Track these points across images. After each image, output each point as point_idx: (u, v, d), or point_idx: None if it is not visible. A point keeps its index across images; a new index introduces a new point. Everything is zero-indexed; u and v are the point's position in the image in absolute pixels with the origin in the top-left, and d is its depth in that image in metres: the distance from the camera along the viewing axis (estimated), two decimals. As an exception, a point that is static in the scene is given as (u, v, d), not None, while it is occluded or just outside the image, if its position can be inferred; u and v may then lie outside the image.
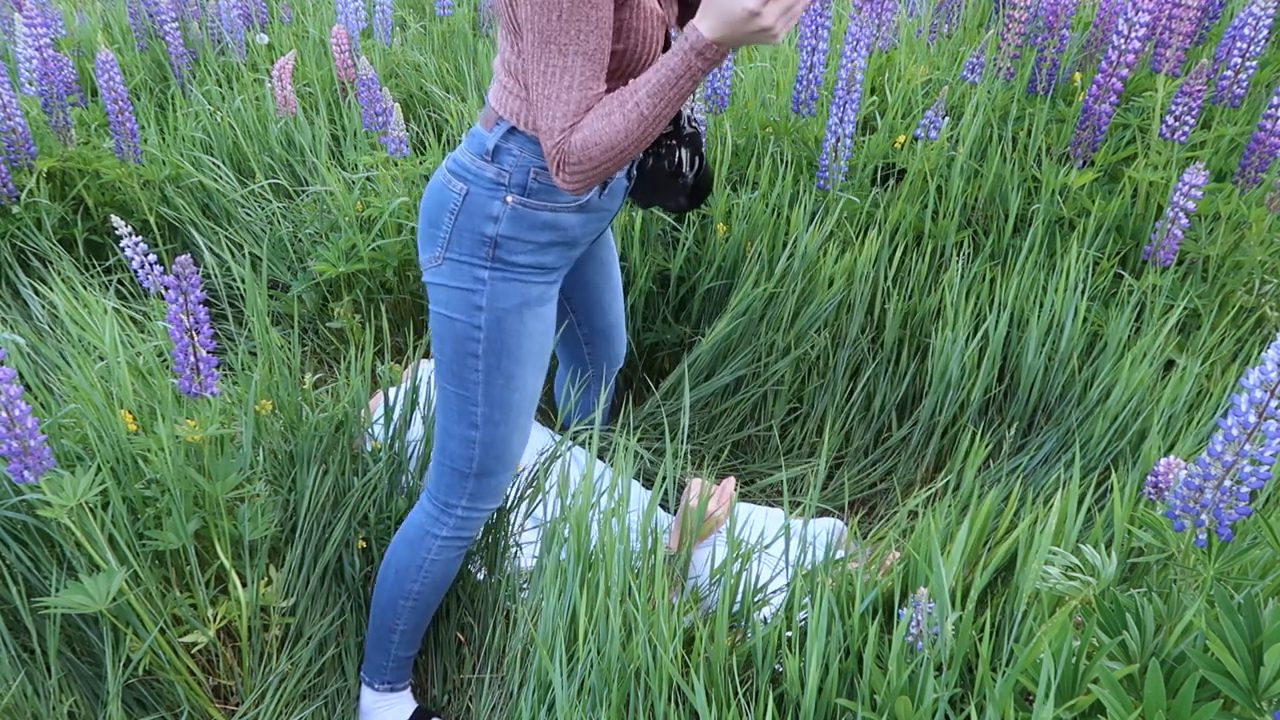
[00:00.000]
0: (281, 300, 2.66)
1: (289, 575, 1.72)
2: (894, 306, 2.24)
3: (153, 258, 1.83)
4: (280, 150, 3.02)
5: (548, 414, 2.25)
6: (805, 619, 1.26)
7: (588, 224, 1.54)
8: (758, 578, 1.42)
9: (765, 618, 1.40)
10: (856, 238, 2.32)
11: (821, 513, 2.09)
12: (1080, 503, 1.30)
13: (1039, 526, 1.22)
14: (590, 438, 1.97)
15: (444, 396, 1.55)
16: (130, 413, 1.62)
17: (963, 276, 2.21)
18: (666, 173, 1.50)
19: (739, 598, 1.37)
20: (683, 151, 1.50)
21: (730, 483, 1.91)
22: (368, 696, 1.75)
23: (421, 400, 1.90)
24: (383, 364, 1.97)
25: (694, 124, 1.51)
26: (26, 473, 1.28)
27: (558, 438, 1.91)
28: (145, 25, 3.78)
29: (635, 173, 1.55)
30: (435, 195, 1.48)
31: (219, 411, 1.48)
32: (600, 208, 1.53)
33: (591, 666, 1.28)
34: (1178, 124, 2.17)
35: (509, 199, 1.42)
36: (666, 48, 1.39)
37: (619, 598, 1.28)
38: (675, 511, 1.91)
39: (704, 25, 1.20)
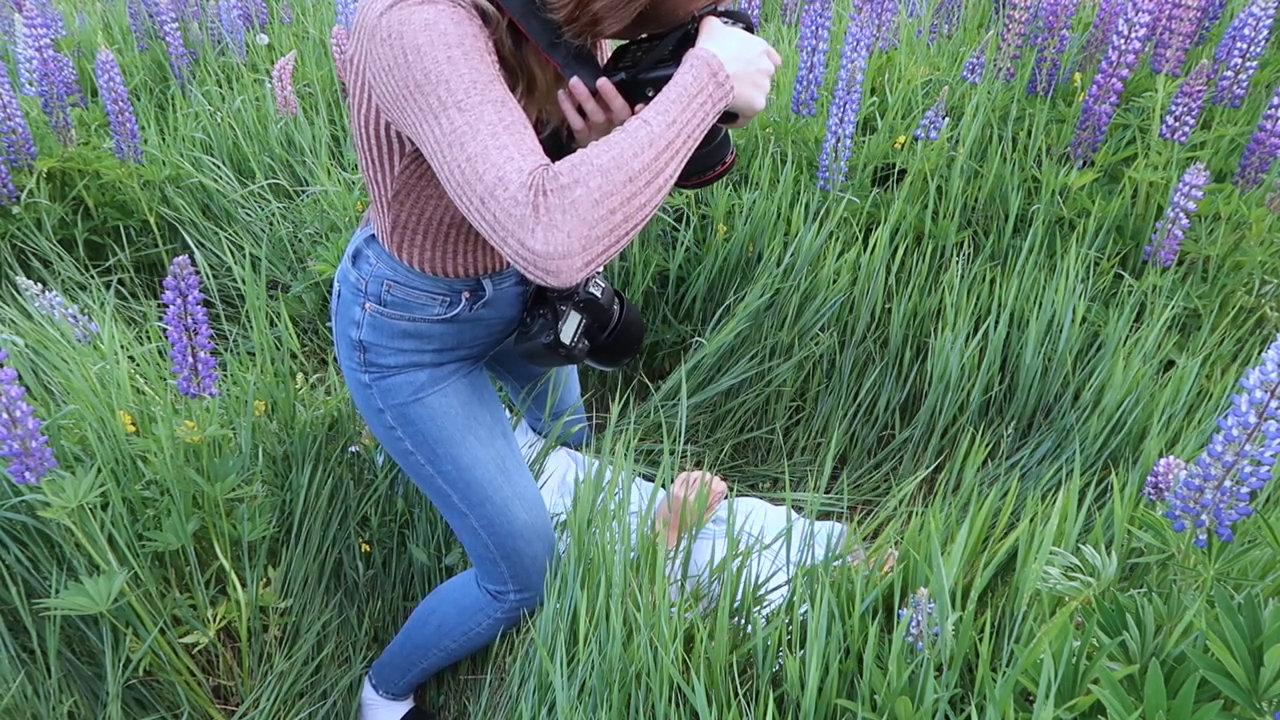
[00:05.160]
0: (281, 300, 2.66)
1: (287, 575, 1.72)
2: (897, 306, 2.23)
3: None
4: (280, 151, 3.02)
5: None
6: (805, 615, 1.26)
7: (464, 334, 1.37)
8: (758, 575, 1.42)
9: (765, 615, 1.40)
10: (858, 238, 2.32)
11: (822, 515, 2.09)
12: (1080, 502, 1.30)
13: (1039, 525, 1.22)
14: (587, 439, 1.97)
15: (426, 491, 1.47)
16: (129, 414, 1.62)
17: (963, 277, 2.21)
18: (543, 343, 1.31)
19: (739, 596, 1.37)
20: (569, 320, 1.30)
21: (719, 482, 1.90)
22: (370, 694, 1.75)
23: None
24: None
25: (590, 289, 1.32)
26: (28, 474, 1.28)
27: (580, 457, 1.86)
28: (145, 25, 3.79)
29: (527, 317, 1.37)
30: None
31: (217, 412, 1.48)
32: (476, 318, 1.35)
33: (593, 668, 1.28)
34: (1178, 124, 2.17)
35: (366, 305, 1.32)
36: None
37: (620, 598, 1.28)
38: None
39: (709, 47, 1.02)
